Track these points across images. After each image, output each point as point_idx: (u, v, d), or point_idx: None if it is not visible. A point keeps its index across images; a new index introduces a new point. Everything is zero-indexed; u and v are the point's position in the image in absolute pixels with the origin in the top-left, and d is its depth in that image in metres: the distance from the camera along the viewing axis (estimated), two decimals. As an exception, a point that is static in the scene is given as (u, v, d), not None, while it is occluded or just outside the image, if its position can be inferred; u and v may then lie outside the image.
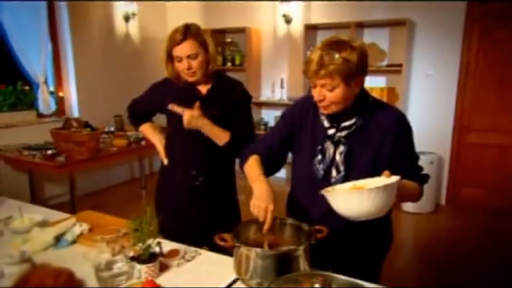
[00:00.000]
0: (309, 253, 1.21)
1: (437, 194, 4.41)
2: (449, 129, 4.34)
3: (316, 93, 1.32)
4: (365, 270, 1.39)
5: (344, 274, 1.10)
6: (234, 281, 1.25)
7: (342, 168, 1.36)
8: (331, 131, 1.38)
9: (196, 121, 1.66)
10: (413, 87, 4.43)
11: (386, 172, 1.20)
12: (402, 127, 1.39)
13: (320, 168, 1.39)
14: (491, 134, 4.22)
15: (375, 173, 1.28)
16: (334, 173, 1.38)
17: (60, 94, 4.55)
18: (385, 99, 4.41)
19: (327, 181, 1.37)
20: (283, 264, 1.16)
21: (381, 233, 1.52)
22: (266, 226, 1.24)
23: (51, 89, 4.48)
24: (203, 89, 1.78)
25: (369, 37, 4.52)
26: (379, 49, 4.42)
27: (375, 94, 4.34)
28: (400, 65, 4.20)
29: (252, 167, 1.42)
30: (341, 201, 1.18)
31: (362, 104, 1.37)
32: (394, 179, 1.17)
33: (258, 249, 1.19)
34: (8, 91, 4.26)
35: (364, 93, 1.38)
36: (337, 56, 1.23)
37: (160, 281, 1.25)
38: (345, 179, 1.35)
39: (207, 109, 1.70)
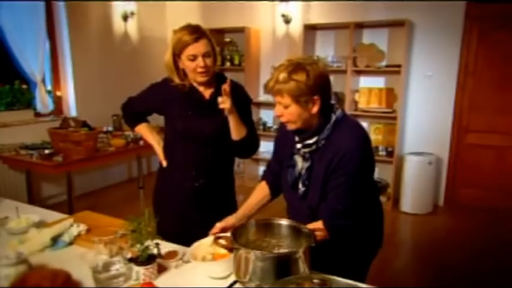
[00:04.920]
0: (309, 255, 1.20)
1: (436, 195, 4.41)
2: (448, 130, 4.34)
3: (276, 109, 1.38)
4: (350, 272, 1.38)
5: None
6: (233, 283, 1.24)
7: (306, 182, 1.42)
8: (298, 146, 1.43)
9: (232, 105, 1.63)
10: (412, 88, 4.43)
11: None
12: (342, 154, 1.31)
13: (289, 179, 1.47)
14: (490, 135, 4.22)
15: (324, 194, 1.36)
16: (300, 185, 1.43)
17: (58, 93, 4.53)
18: (383, 100, 4.42)
19: (295, 191, 1.45)
20: (282, 267, 1.15)
21: (370, 237, 1.54)
22: None
23: (49, 88, 4.46)
24: (206, 92, 1.77)
25: (368, 37, 4.52)
26: (378, 50, 4.41)
27: (374, 95, 4.41)
28: (399, 66, 4.19)
29: (253, 193, 1.63)
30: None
31: (325, 125, 1.36)
32: None
33: (258, 252, 1.18)
34: (5, 90, 4.24)
35: (329, 114, 1.37)
36: (284, 75, 1.29)
37: (158, 282, 1.24)
38: (306, 193, 1.41)
39: (213, 113, 1.68)
